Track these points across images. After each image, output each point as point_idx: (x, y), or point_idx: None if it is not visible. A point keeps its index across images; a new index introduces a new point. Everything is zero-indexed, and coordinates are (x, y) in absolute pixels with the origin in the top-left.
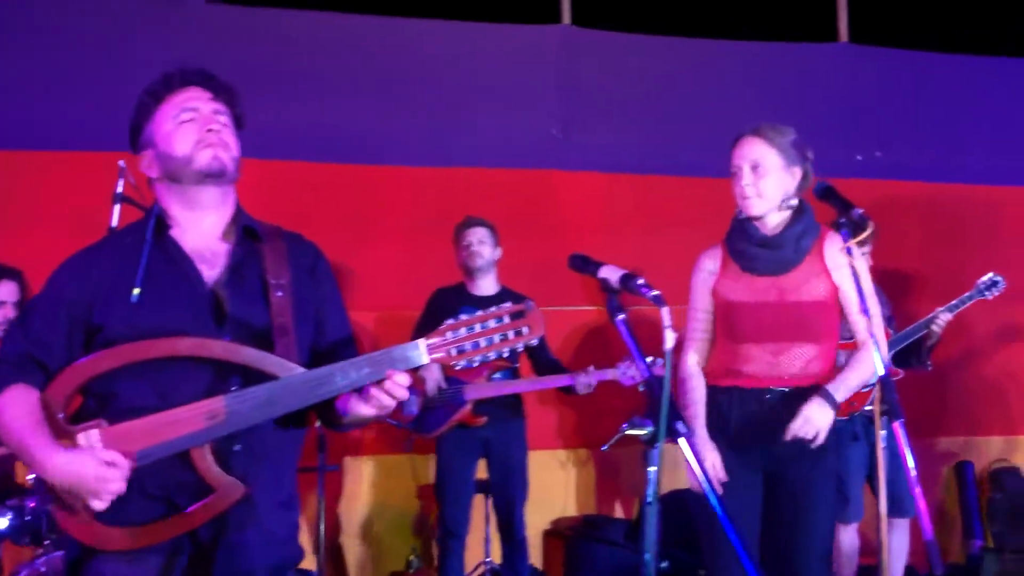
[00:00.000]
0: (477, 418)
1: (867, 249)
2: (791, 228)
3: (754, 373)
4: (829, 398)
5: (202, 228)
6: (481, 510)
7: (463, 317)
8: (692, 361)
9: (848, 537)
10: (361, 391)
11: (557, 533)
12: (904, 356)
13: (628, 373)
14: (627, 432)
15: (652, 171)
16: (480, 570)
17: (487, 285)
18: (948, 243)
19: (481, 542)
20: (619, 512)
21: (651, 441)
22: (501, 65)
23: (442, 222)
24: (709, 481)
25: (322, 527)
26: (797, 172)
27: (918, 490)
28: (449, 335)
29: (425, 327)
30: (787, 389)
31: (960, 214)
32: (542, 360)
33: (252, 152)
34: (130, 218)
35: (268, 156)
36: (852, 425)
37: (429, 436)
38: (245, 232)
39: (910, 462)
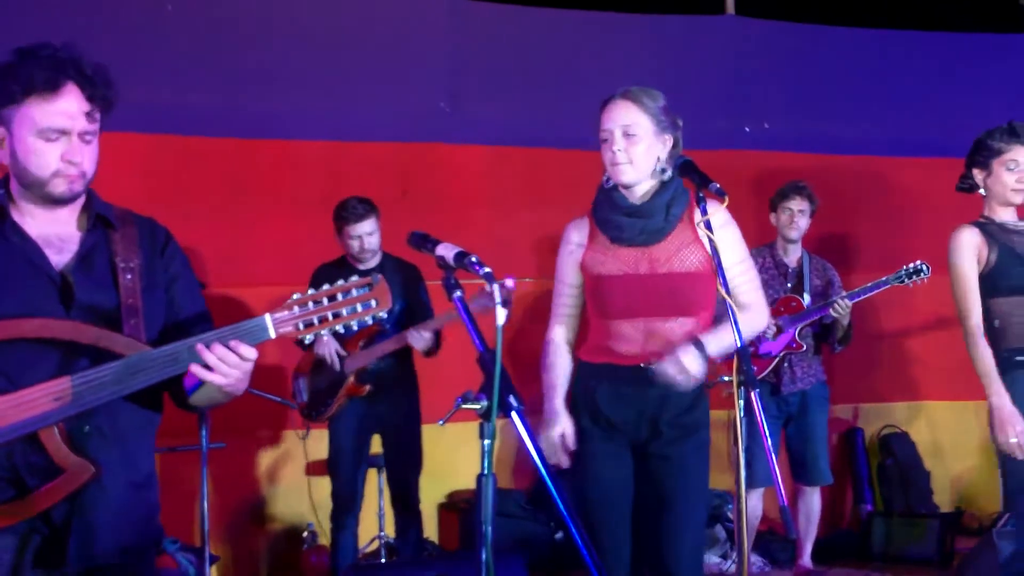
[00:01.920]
0: (361, 387)
1: (804, 207)
2: (660, 196)
3: (628, 351)
4: (700, 347)
5: (52, 216)
6: (374, 484)
7: (310, 291)
8: (557, 334)
9: (751, 502)
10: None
11: (453, 506)
12: (820, 335)
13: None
14: (462, 406)
15: (540, 144)
16: (374, 544)
17: (371, 260)
18: (835, 214)
19: (375, 516)
20: (514, 484)
21: (486, 415)
22: (389, 38)
23: (329, 196)
24: (542, 456)
25: (205, 505)
26: (668, 140)
27: (773, 457)
28: (296, 309)
29: None
30: (644, 369)
31: (847, 185)
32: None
33: (136, 127)
34: None
35: (151, 130)
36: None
37: (322, 419)
38: (98, 219)
39: (767, 430)
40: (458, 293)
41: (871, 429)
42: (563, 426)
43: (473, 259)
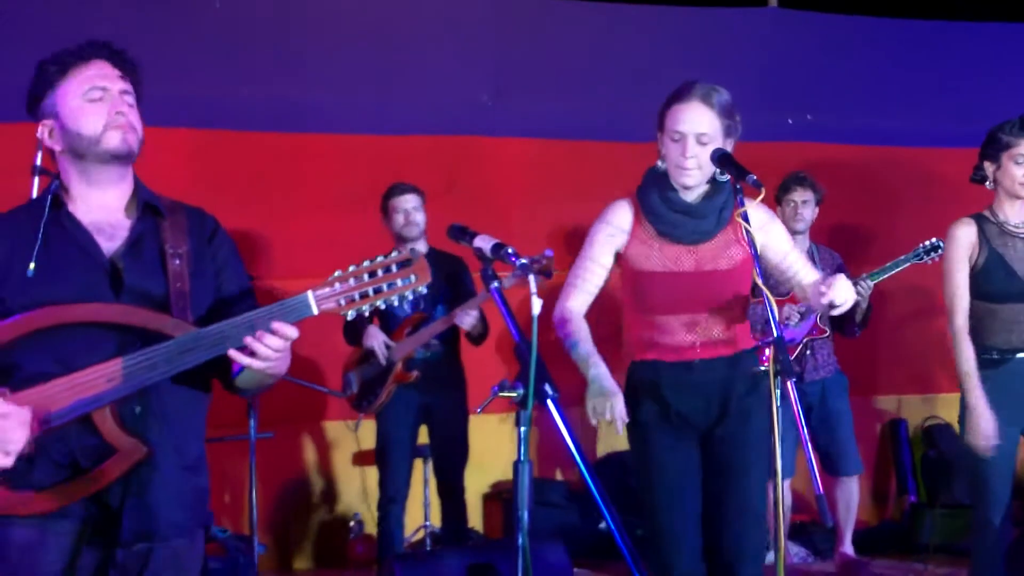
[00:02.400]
0: (408, 374)
1: (807, 198)
2: (713, 199)
3: (675, 344)
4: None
5: (102, 203)
6: (420, 474)
7: (351, 268)
8: (576, 304)
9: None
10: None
11: (497, 496)
12: (838, 320)
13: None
14: (499, 394)
15: (583, 136)
16: (420, 534)
17: (418, 249)
18: (878, 205)
19: (421, 506)
20: (559, 475)
21: (522, 403)
22: (432, 32)
23: (372, 190)
24: (576, 443)
25: (254, 494)
26: (731, 144)
27: (810, 446)
28: (337, 285)
29: None
30: (710, 359)
31: (891, 176)
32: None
33: (181, 122)
34: None
35: (196, 125)
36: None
37: (372, 409)
38: (146, 207)
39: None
40: (495, 284)
41: (915, 420)
42: (614, 387)
43: (509, 250)
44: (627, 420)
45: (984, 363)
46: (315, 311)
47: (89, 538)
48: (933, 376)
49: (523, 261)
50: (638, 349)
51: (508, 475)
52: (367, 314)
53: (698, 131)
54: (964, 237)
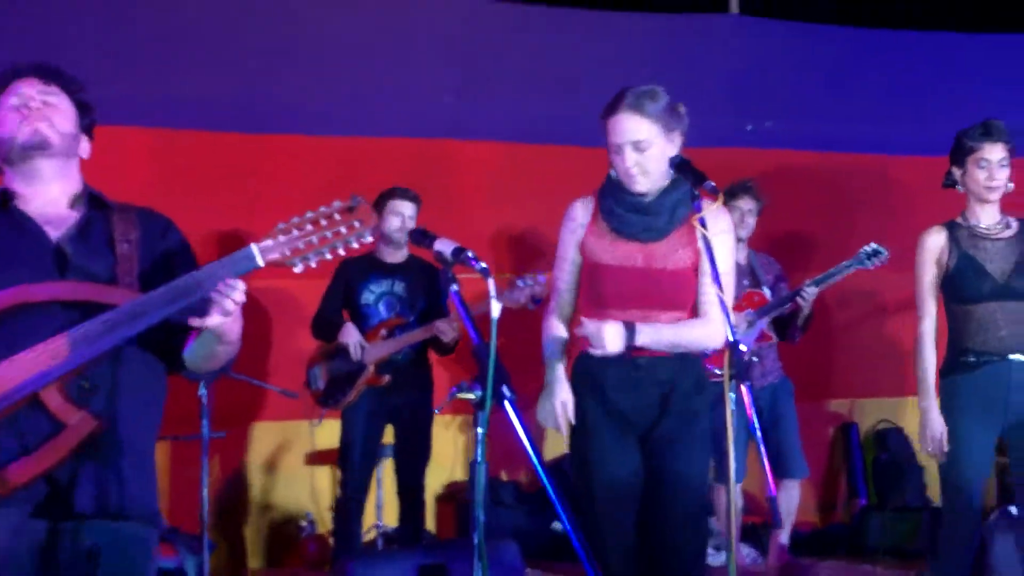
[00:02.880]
0: (380, 378)
1: (751, 207)
2: (667, 195)
3: None
4: (631, 330)
5: (48, 198)
6: (374, 474)
7: (294, 219)
8: (556, 308)
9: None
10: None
11: (450, 497)
12: (779, 326)
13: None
14: (456, 396)
15: (548, 140)
16: (372, 534)
17: (398, 254)
18: (837, 211)
19: (373, 506)
20: (504, 476)
21: (479, 404)
22: (396, 33)
23: (337, 193)
24: (534, 446)
25: (205, 494)
26: (677, 138)
27: (762, 448)
28: (281, 237)
29: (332, 297)
30: (656, 357)
31: (849, 183)
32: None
33: (146, 121)
34: None
35: (159, 125)
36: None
37: (338, 407)
38: (92, 201)
39: (756, 424)
40: (454, 287)
41: (866, 424)
42: (564, 394)
43: (470, 254)
44: (573, 423)
45: (961, 367)
46: (260, 262)
47: (43, 518)
48: (885, 380)
49: (483, 265)
50: (586, 341)
51: (460, 476)
52: (313, 264)
53: (633, 139)
54: (931, 244)
